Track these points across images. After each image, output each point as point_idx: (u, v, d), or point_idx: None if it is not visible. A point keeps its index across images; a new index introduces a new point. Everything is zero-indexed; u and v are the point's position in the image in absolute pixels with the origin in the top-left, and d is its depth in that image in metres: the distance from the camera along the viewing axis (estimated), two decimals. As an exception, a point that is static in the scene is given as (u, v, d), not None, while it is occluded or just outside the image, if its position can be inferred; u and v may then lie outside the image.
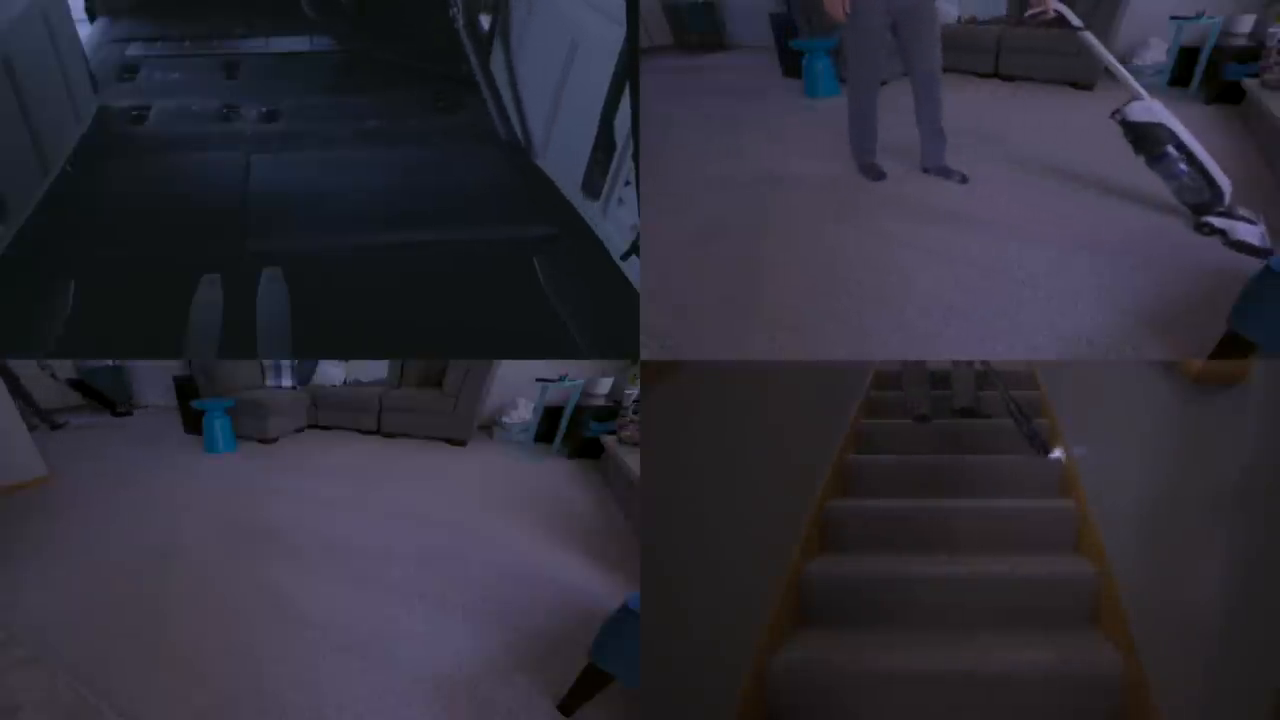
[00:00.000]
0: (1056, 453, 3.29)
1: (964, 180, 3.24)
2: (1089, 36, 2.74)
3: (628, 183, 2.67)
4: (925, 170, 3.33)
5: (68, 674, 2.31)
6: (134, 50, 4.04)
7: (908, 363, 3.84)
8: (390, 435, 5.85)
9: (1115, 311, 2.39)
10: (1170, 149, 2.67)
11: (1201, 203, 2.72)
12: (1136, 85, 2.69)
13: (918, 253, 2.75)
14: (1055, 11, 2.77)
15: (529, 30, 3.28)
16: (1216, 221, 2.67)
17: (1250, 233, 2.64)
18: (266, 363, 6.01)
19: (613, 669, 2.07)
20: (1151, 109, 2.65)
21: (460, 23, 3.40)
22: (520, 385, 5.70)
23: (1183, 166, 2.68)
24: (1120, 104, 2.70)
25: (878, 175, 3.32)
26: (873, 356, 3.44)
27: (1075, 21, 2.76)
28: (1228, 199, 2.68)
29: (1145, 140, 2.69)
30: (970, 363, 3.90)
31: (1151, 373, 2.23)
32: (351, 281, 2.60)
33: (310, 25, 4.14)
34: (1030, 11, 2.84)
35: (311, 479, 4.74)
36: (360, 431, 5.95)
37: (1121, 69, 2.77)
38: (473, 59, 3.41)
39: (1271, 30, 3.51)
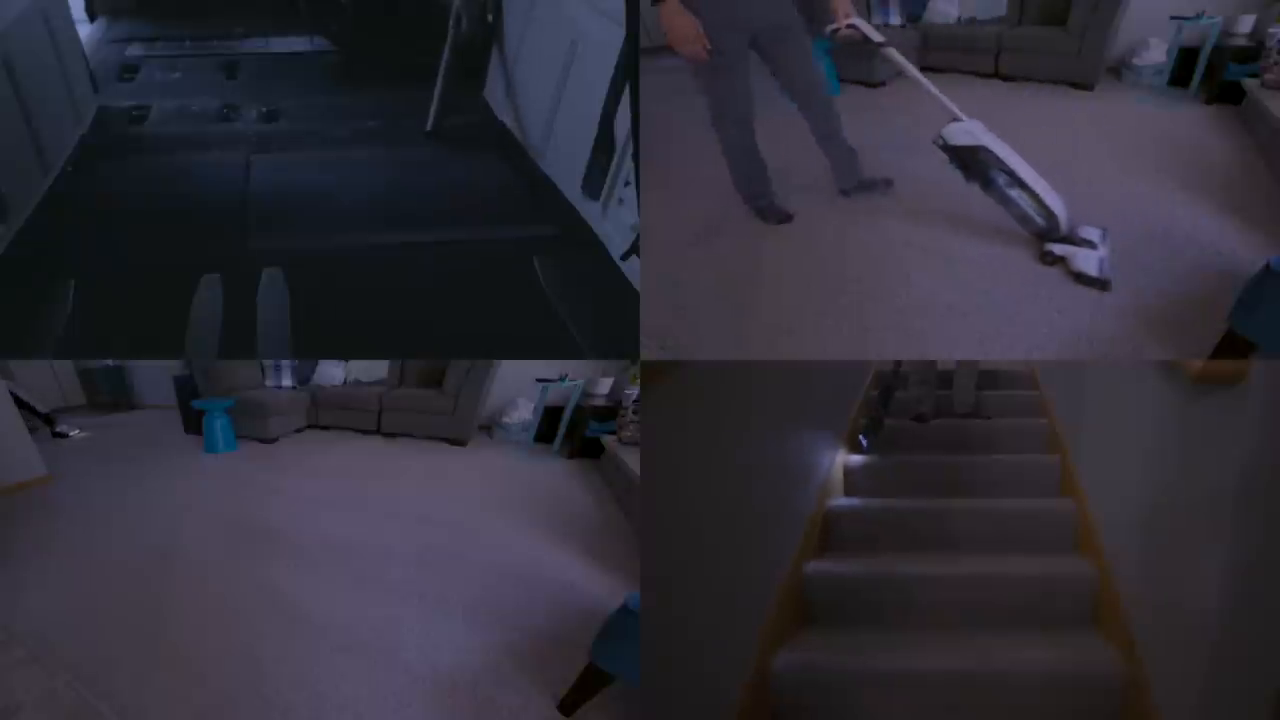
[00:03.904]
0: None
1: (889, 185, 2.93)
2: (892, 51, 2.61)
3: (628, 183, 2.67)
4: (844, 193, 3.03)
5: (68, 674, 2.31)
6: (134, 50, 4.05)
7: (915, 362, 3.83)
8: (390, 435, 5.85)
9: (1115, 311, 2.39)
10: (996, 174, 2.51)
11: (1040, 230, 2.57)
12: (951, 104, 2.51)
13: (917, 252, 2.75)
14: (854, 26, 2.66)
15: (529, 30, 3.28)
16: (1057, 249, 2.53)
17: (1088, 261, 2.48)
18: (266, 363, 6.02)
19: (613, 669, 2.07)
20: (971, 130, 2.48)
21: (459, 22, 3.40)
22: (520, 385, 5.70)
23: (1013, 192, 2.53)
24: (950, 123, 2.54)
25: (781, 216, 2.95)
26: (872, 356, 3.43)
27: (876, 37, 2.63)
28: (1065, 223, 2.54)
29: (969, 165, 2.51)
30: (975, 363, 3.90)
31: (1151, 373, 2.23)
32: (351, 281, 2.60)
33: (310, 25, 4.14)
34: (832, 28, 2.71)
35: (311, 479, 4.74)
36: (360, 431, 5.95)
37: (930, 85, 2.52)
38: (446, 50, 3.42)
39: (1271, 30, 3.51)
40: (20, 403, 5.73)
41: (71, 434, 5.79)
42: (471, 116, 3.54)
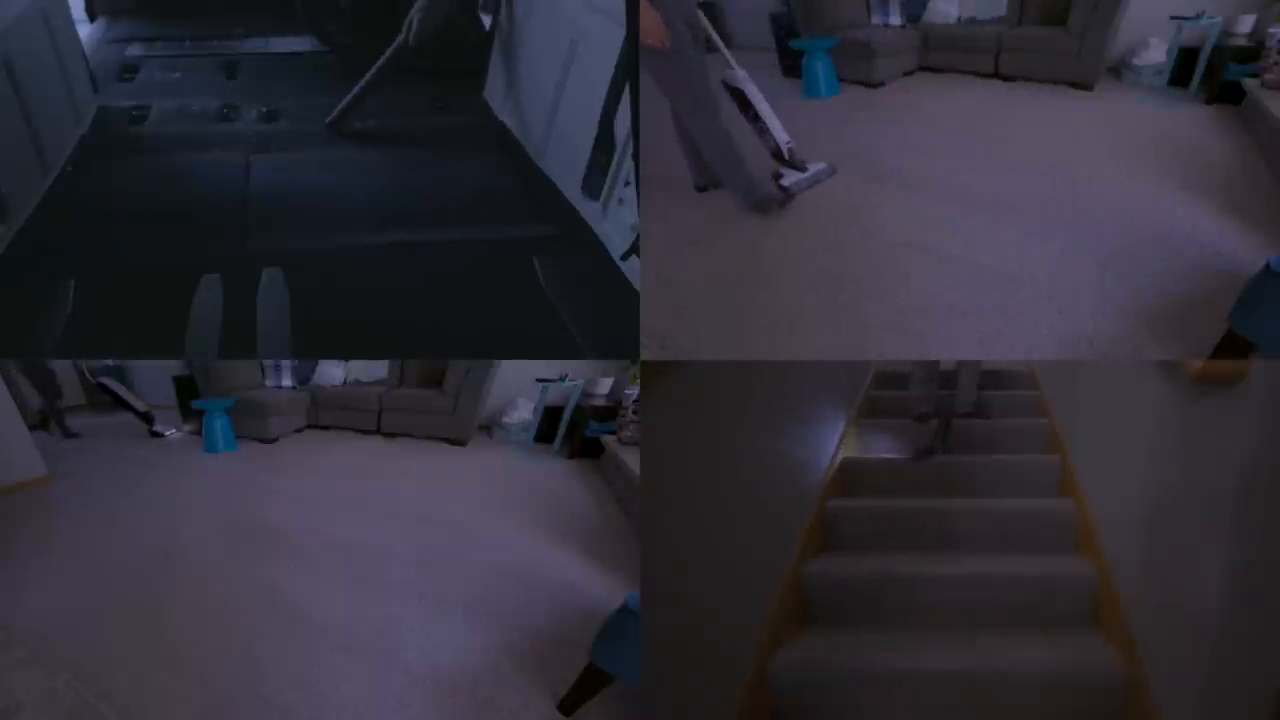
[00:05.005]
0: None
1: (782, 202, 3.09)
2: (700, 15, 2.98)
3: (628, 183, 2.67)
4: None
5: (68, 674, 2.31)
6: (134, 50, 4.04)
7: (920, 361, 3.83)
8: (390, 435, 5.85)
9: (1115, 311, 2.39)
10: (750, 110, 3.15)
11: (774, 152, 3.22)
12: (730, 57, 3.12)
13: (917, 252, 2.75)
14: None
15: (528, 30, 3.28)
16: (783, 170, 3.21)
17: (791, 179, 3.16)
18: (266, 363, 6.01)
19: (613, 669, 2.07)
20: (738, 77, 3.13)
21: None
22: (520, 385, 5.70)
23: (760, 125, 3.18)
24: (730, 72, 3.16)
25: (781, 199, 3.05)
26: (872, 356, 3.44)
27: None
28: (786, 150, 3.19)
29: (735, 100, 3.16)
30: (979, 363, 3.89)
31: (1151, 373, 2.23)
32: (351, 281, 2.60)
33: (307, 27, 4.14)
34: None
35: (311, 479, 4.74)
36: (360, 431, 5.94)
37: (720, 41, 3.07)
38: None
39: (1271, 30, 3.51)
40: (119, 401, 5.77)
41: (167, 433, 5.74)
42: (471, 116, 3.54)
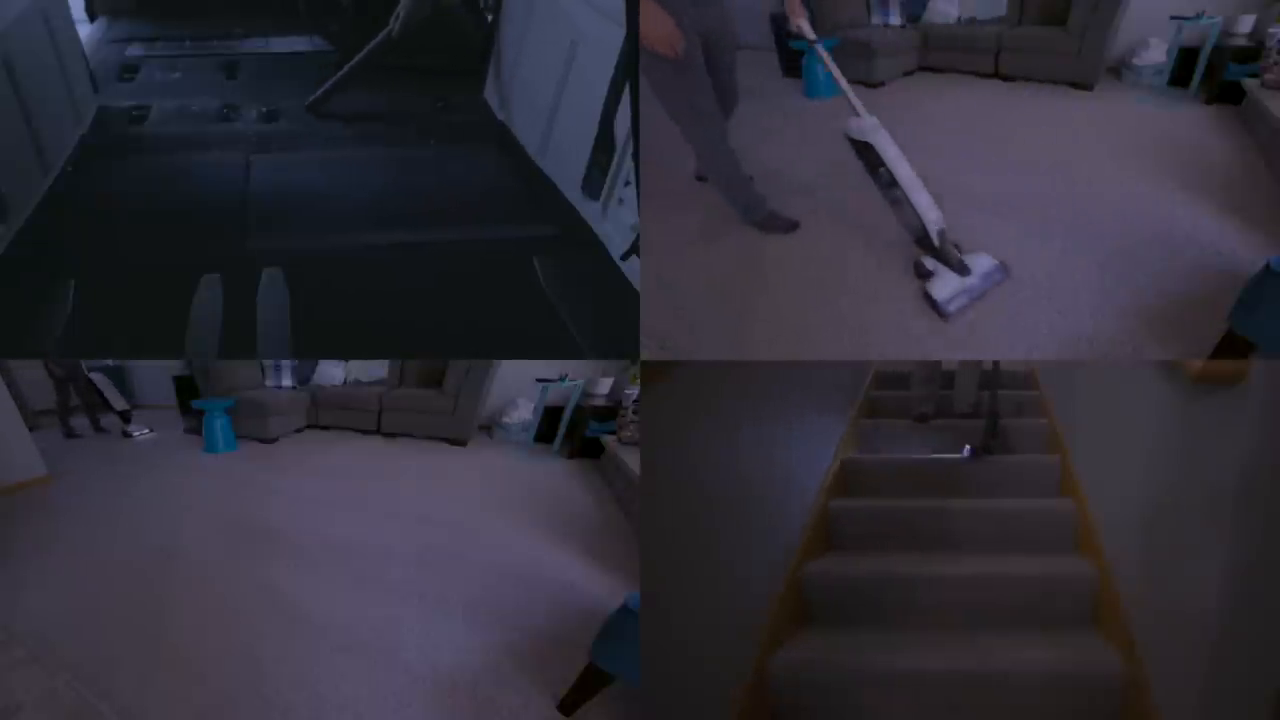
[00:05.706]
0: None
1: (791, 228, 2.88)
2: (821, 49, 2.71)
3: (628, 183, 2.67)
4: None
5: (68, 674, 2.32)
6: (134, 50, 4.04)
7: (921, 362, 3.83)
8: (390, 435, 5.85)
9: (1115, 311, 2.39)
10: (882, 171, 2.42)
11: (917, 235, 2.48)
12: (856, 101, 2.46)
13: (917, 252, 2.75)
14: (798, 27, 2.77)
15: (529, 30, 3.28)
16: (928, 263, 2.45)
17: (943, 287, 2.39)
18: (266, 363, 6.02)
19: (613, 669, 2.07)
20: (863, 128, 2.42)
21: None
22: (520, 385, 5.71)
23: (895, 192, 2.44)
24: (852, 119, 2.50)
25: (787, 225, 2.90)
26: (872, 356, 3.44)
27: (810, 34, 2.78)
28: (936, 237, 2.44)
29: (862, 158, 2.47)
30: (979, 363, 3.89)
31: (1151, 373, 2.23)
32: (351, 281, 2.60)
33: (310, 26, 4.14)
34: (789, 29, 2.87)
35: (311, 479, 4.74)
36: (360, 431, 5.95)
37: (845, 82, 2.52)
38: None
39: (1271, 30, 3.51)
40: (103, 400, 5.80)
41: (136, 435, 5.78)
42: (471, 116, 3.55)
